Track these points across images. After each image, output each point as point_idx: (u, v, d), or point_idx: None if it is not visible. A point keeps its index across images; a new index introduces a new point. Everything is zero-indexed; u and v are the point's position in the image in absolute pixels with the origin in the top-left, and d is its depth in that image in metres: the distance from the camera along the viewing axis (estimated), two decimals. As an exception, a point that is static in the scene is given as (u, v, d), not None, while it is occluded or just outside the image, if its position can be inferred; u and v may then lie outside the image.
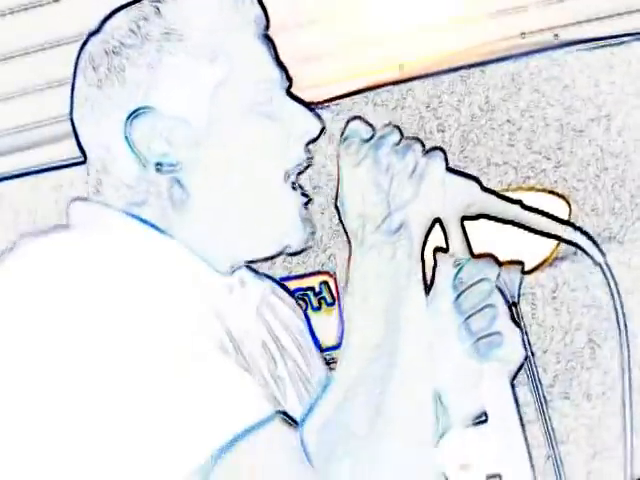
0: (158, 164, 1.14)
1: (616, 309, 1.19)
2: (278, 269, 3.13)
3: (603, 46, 3.06)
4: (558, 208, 2.64)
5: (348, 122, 1.17)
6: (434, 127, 3.11)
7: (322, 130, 1.21)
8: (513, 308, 2.78)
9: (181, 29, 1.15)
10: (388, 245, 1.11)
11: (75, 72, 1.19)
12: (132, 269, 1.08)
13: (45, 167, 2.94)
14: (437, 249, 1.19)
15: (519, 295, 2.83)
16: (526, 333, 2.88)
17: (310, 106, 1.22)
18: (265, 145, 1.17)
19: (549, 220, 1.18)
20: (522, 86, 3.09)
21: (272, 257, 1.21)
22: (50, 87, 2.66)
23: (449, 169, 1.16)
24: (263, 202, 1.18)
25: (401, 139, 1.14)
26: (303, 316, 1.31)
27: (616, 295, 1.17)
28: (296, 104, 1.22)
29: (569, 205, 2.68)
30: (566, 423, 2.94)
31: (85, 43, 1.19)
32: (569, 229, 1.18)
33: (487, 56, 3.05)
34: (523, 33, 2.97)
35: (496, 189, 2.97)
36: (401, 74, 3.03)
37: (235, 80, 1.16)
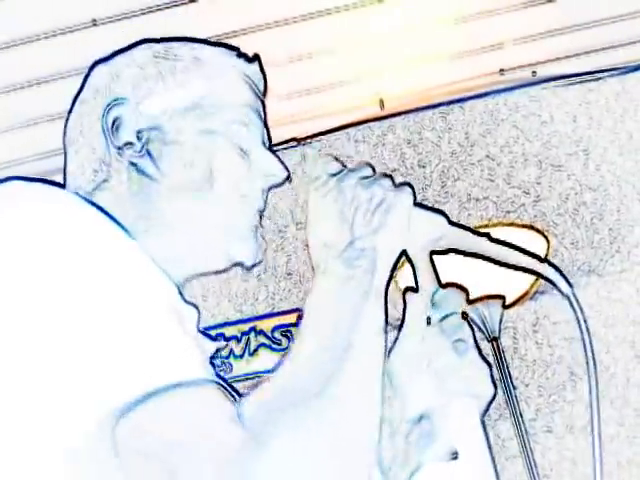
0: (119, 148, 1.21)
1: (584, 342, 1.19)
2: (261, 305, 3.14)
3: (580, 82, 3.10)
4: (537, 242, 2.66)
5: (287, 178, 1.22)
6: (415, 163, 3.14)
7: (287, 178, 1.25)
8: (494, 342, 2.80)
9: (183, 54, 1.24)
10: (349, 269, 1.13)
11: (83, 83, 1.28)
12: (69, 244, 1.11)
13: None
14: (407, 289, 1.20)
15: (500, 329, 2.85)
16: (508, 367, 2.89)
17: (279, 157, 1.26)
18: (226, 167, 1.22)
19: (517, 253, 1.19)
20: (501, 122, 3.12)
21: (223, 270, 1.24)
22: (45, 121, 2.67)
23: (417, 204, 1.18)
24: (216, 212, 1.22)
25: (371, 175, 1.16)
26: None
27: (584, 328, 1.18)
28: (269, 153, 1.26)
29: (547, 239, 2.70)
30: (549, 457, 2.94)
31: (98, 63, 1.28)
32: (536, 262, 1.18)
33: (466, 93, 3.08)
34: (502, 70, 3.01)
35: (476, 224, 3.00)
36: (382, 111, 3.06)
37: (214, 101, 1.23)
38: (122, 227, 1.17)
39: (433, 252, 1.20)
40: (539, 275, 1.20)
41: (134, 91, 1.22)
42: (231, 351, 3.05)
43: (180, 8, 2.57)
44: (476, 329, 2.74)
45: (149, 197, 1.20)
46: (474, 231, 1.19)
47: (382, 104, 3.04)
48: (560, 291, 1.19)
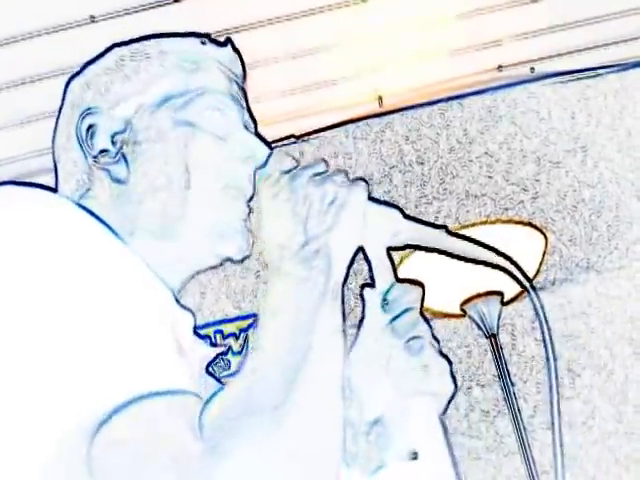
0: (95, 157, 1.21)
1: (543, 334, 1.18)
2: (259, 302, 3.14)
3: (578, 79, 3.10)
4: (536, 239, 2.66)
5: (269, 156, 1.18)
6: (413, 160, 3.13)
7: (269, 157, 1.23)
8: (492, 339, 2.80)
9: (149, 52, 1.24)
10: (304, 270, 1.11)
11: (62, 101, 1.29)
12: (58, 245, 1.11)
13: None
14: (364, 285, 1.18)
15: (498, 326, 2.85)
16: (506, 363, 2.89)
17: (263, 137, 1.24)
18: (204, 159, 1.20)
19: (476, 247, 1.16)
20: (499, 119, 3.12)
21: (212, 267, 1.23)
22: (44, 118, 2.67)
23: (372, 199, 1.15)
24: (195, 212, 1.20)
25: (325, 171, 1.14)
26: None
27: (543, 320, 1.17)
28: (248, 133, 1.25)
29: (545, 236, 2.70)
30: (547, 453, 2.93)
31: (68, 83, 1.29)
32: (493, 255, 1.16)
33: (465, 89, 3.08)
34: (500, 66, 3.01)
35: (475, 220, 3.00)
36: (380, 107, 3.06)
37: (183, 90, 1.22)
38: (113, 231, 1.17)
39: (391, 248, 1.18)
40: (498, 267, 1.18)
41: (104, 97, 1.22)
42: (229, 348, 3.05)
43: (178, 5, 2.57)
44: (474, 326, 2.74)
45: (130, 200, 1.19)
46: (431, 225, 1.17)
47: (381, 101, 3.04)
48: (519, 282, 1.17)
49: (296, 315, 1.09)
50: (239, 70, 1.28)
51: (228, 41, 1.27)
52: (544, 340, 1.19)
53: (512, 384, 2.75)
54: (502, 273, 1.17)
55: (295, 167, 1.15)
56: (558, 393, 1.18)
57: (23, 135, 2.76)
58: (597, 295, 3.00)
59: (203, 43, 1.26)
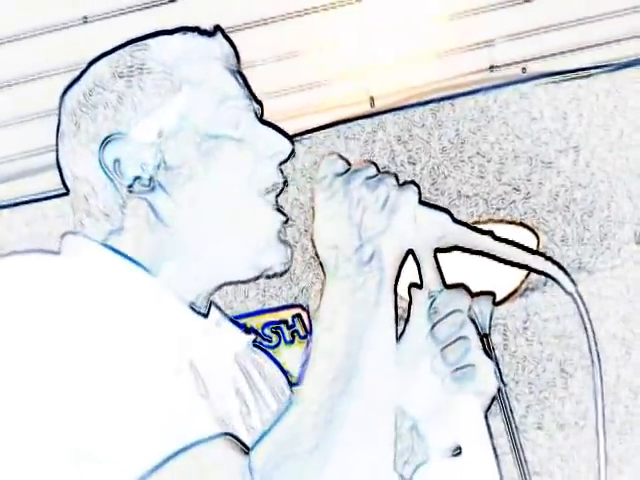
0: (130, 186, 1.18)
1: (588, 339, 1.20)
2: (252, 302, 3.13)
3: (570, 79, 3.11)
4: (528, 239, 2.66)
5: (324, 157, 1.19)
6: (405, 160, 3.14)
7: (292, 152, 1.23)
8: (485, 339, 2.80)
9: (148, 65, 1.21)
10: (359, 275, 1.12)
11: (59, 117, 1.25)
12: (97, 299, 1.11)
13: (18, 201, 2.95)
14: (412, 285, 1.20)
15: (490, 326, 2.85)
16: (498, 364, 2.89)
17: (280, 128, 1.24)
18: (235, 168, 1.20)
19: (520, 250, 1.19)
20: (491, 119, 3.13)
21: (252, 280, 1.22)
22: (36, 118, 2.67)
23: (421, 202, 1.18)
24: (238, 223, 1.20)
25: (376, 174, 1.16)
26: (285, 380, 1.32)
27: (588, 325, 1.19)
28: (266, 127, 1.25)
29: (537, 236, 2.70)
30: (540, 454, 2.95)
31: (67, 90, 1.25)
32: (540, 259, 1.19)
33: (457, 89, 3.08)
34: (492, 67, 3.01)
35: (467, 221, 3.00)
36: (372, 108, 3.06)
37: (200, 106, 1.21)
38: (142, 266, 1.16)
39: (438, 250, 1.20)
40: (542, 273, 1.20)
41: (115, 120, 1.19)
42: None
43: (170, 5, 2.57)
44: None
45: (168, 225, 1.18)
46: (477, 229, 1.20)
47: (372, 101, 3.04)
48: (564, 289, 1.19)
49: (350, 331, 1.11)
50: (234, 58, 1.27)
51: (217, 29, 1.26)
52: (590, 348, 1.21)
53: (504, 384, 2.75)
54: (547, 278, 1.20)
55: (348, 169, 1.17)
56: (603, 402, 1.20)
57: (13, 135, 2.76)
58: (589, 295, 2.99)
59: (197, 37, 1.24)
